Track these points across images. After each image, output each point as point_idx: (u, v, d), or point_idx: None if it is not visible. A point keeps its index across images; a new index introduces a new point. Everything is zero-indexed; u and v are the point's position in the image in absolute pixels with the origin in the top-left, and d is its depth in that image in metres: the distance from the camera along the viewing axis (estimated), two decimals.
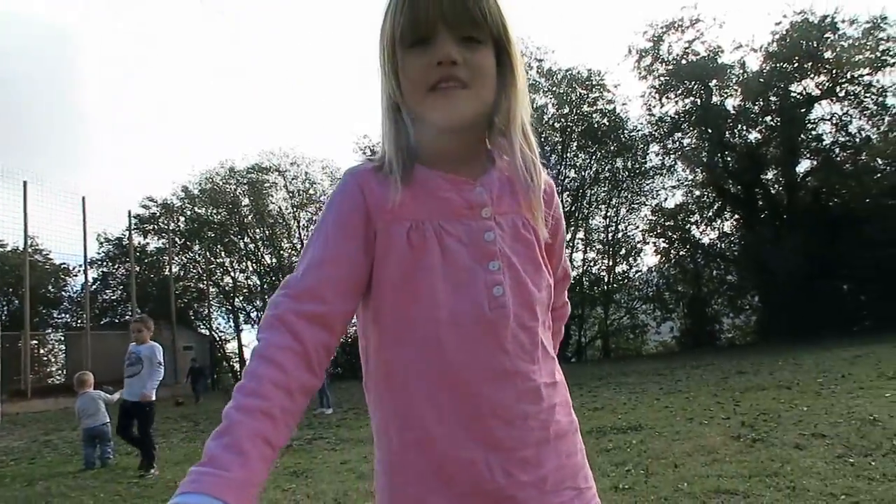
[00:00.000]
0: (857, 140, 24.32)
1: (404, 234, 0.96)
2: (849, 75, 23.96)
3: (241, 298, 34.54)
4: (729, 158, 26.40)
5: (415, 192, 0.98)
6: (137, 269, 30.35)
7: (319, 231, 0.99)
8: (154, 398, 6.86)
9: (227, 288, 34.39)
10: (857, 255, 21.77)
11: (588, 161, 28.08)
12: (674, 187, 27.95)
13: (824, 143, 25.20)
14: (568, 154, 27.19)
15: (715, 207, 27.58)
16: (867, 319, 23.77)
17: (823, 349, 14.30)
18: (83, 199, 22.58)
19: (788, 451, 4.64)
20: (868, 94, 23.97)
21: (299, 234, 32.67)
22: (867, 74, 23.68)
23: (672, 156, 27.17)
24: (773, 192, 26.55)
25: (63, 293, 33.77)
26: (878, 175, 23.38)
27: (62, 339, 31.46)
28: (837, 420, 5.71)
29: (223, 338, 34.85)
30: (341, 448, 7.32)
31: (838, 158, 24.68)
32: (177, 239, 32.29)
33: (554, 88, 26.77)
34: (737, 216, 27.26)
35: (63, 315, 34.08)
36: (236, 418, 0.80)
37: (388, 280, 0.97)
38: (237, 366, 34.19)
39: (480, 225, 0.98)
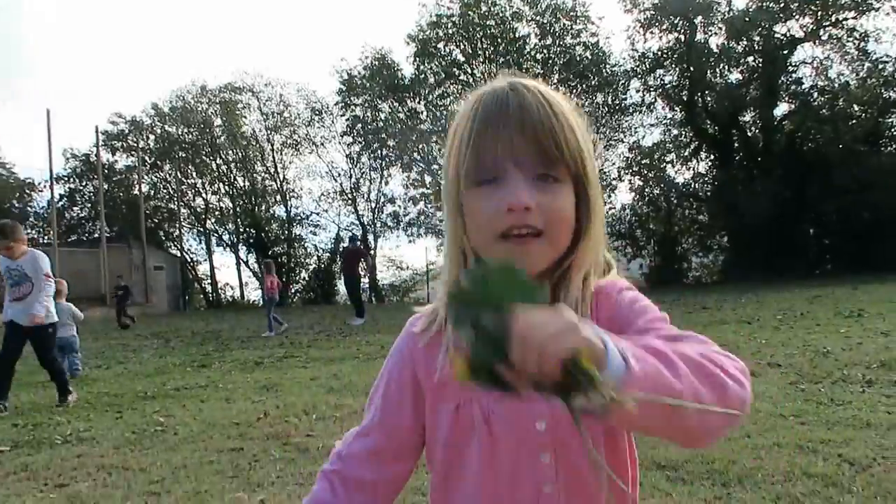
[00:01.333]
0: (836, 85, 24.35)
1: (450, 415, 0.89)
2: (833, 18, 23.78)
3: (213, 220, 34.18)
4: (709, 98, 26.33)
5: None
6: (106, 186, 29.73)
7: (374, 394, 0.97)
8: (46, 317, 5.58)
9: (198, 209, 33.97)
10: (824, 200, 22.20)
11: (568, 94, 27.49)
12: (652, 125, 27.96)
13: (803, 86, 25.25)
14: (548, 86, 26.82)
15: (691, 147, 27.65)
16: (829, 263, 24.47)
17: (786, 289, 14.73)
18: (48, 111, 21.89)
19: None
20: (850, 39, 23.87)
21: (273, 157, 32.17)
22: (852, 18, 23.53)
23: (652, 93, 27.01)
24: (749, 134, 26.64)
25: (29, 209, 33.04)
26: (853, 121, 23.59)
27: None
28: (793, 352, 5.95)
29: (195, 259, 34.66)
30: (312, 366, 7.44)
31: (815, 103, 24.76)
32: (146, 157, 31.55)
33: (537, 18, 26.14)
34: (712, 157, 27.40)
35: (29, 231, 33.38)
36: None
37: (437, 452, 0.93)
38: (209, 287, 34.19)
39: (532, 410, 0.84)
